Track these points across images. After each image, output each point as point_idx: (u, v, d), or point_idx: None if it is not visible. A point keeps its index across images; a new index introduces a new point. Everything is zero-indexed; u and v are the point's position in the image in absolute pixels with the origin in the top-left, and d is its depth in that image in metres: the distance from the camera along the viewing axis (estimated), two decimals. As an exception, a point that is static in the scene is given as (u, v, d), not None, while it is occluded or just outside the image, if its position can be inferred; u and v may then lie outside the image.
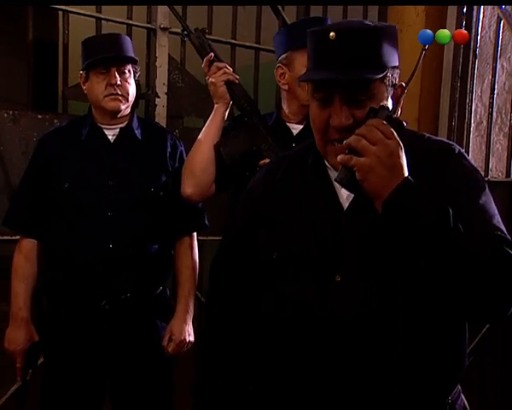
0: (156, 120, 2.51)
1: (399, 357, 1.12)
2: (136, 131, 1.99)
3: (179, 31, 1.99)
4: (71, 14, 2.40)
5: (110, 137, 1.96)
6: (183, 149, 2.07)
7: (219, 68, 1.84)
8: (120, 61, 1.91)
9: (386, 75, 1.10)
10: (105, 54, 1.88)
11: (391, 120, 1.05)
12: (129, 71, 1.94)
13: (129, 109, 1.98)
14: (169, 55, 2.54)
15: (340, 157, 1.05)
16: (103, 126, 1.96)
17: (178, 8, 2.58)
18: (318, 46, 1.12)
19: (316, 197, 1.19)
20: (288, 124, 1.88)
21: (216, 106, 1.87)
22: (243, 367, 1.30)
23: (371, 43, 1.08)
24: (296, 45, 1.80)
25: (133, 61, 1.96)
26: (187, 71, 2.63)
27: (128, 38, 2.00)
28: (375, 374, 1.12)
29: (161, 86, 2.52)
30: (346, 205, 1.16)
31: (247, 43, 2.79)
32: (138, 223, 1.93)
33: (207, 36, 1.93)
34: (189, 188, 1.87)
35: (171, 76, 2.57)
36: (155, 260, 1.97)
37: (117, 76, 1.89)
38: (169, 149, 2.01)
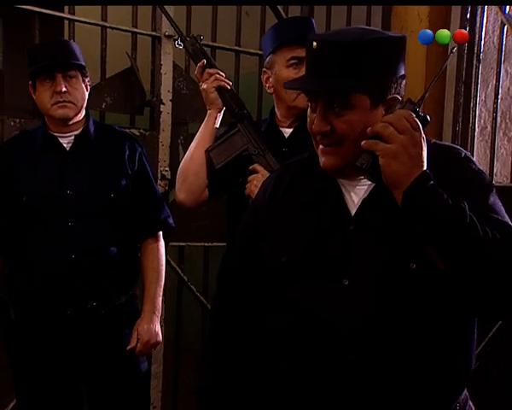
0: (161, 126, 2.53)
1: (407, 361, 1.12)
2: (92, 137, 1.95)
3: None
4: (76, 23, 2.41)
5: (65, 145, 1.92)
6: (142, 150, 2.03)
7: (211, 74, 1.85)
8: (65, 67, 1.86)
9: (369, 87, 1.11)
10: (48, 61, 1.84)
11: (417, 114, 1.09)
12: (75, 76, 1.88)
13: (81, 115, 1.93)
14: (174, 62, 2.55)
15: (364, 142, 1.08)
16: (57, 135, 1.92)
17: (183, 16, 2.61)
18: (307, 54, 1.17)
19: (324, 203, 1.20)
20: (280, 129, 1.88)
21: (208, 111, 1.89)
22: (248, 373, 1.30)
23: (351, 55, 1.09)
24: (275, 48, 1.82)
25: (78, 67, 1.89)
26: (191, 78, 2.64)
27: (74, 44, 1.95)
28: (382, 378, 1.12)
29: (166, 93, 2.53)
30: (353, 211, 1.17)
31: (252, 50, 2.80)
32: (100, 230, 1.89)
33: (206, 42, 1.94)
34: (181, 193, 1.87)
35: (176, 83, 2.58)
36: (121, 267, 1.94)
37: (62, 83, 1.84)
38: (127, 153, 1.97)
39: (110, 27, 2.46)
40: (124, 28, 2.51)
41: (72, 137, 1.93)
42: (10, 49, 2.36)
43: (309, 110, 1.18)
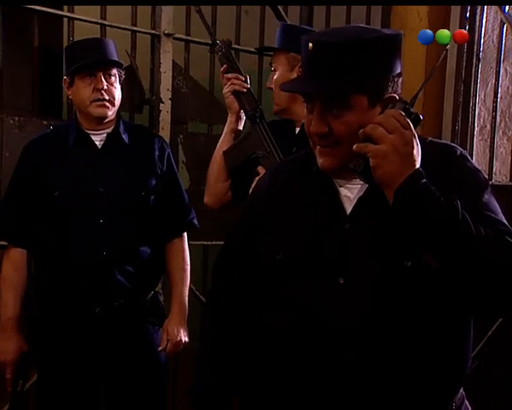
0: (160, 125, 2.52)
1: (403, 360, 1.12)
2: (124, 136, 1.97)
3: (184, 37, 2.04)
4: (76, 21, 2.41)
5: (97, 143, 1.94)
6: (169, 151, 2.07)
7: (228, 79, 1.90)
8: (106, 65, 1.90)
9: (366, 87, 1.11)
10: (90, 58, 1.86)
11: (408, 112, 1.08)
12: (114, 75, 1.92)
13: (115, 114, 1.96)
14: (173, 60, 2.55)
15: (355, 145, 1.08)
16: (90, 132, 1.94)
17: (182, 14, 2.61)
18: (303, 55, 1.17)
19: (320, 201, 1.20)
20: (297, 128, 1.91)
21: (228, 115, 1.94)
22: (245, 369, 1.30)
23: (347, 56, 1.09)
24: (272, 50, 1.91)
25: (119, 65, 1.94)
26: (191, 76, 2.64)
27: (112, 42, 1.97)
28: (378, 377, 1.13)
29: (165, 92, 2.53)
30: (349, 210, 1.17)
31: (251, 49, 2.80)
32: (130, 228, 1.92)
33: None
34: (206, 197, 1.97)
35: (175, 82, 2.58)
36: (148, 265, 1.97)
37: (103, 81, 1.87)
38: (157, 153, 2.01)
39: (109, 26, 2.45)
40: (123, 27, 2.50)
41: (105, 135, 1.95)
42: (9, 47, 2.35)
43: (305, 111, 1.18)
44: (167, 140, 2.54)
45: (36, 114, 2.34)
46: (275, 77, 1.88)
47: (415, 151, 1.06)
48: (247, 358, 1.29)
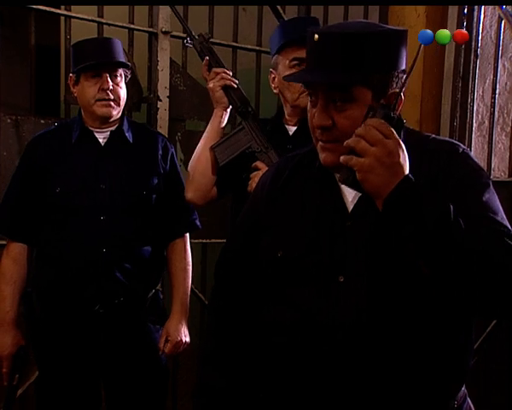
0: (158, 123, 2.52)
1: (403, 360, 1.12)
2: (127, 134, 1.97)
3: (181, 34, 2.04)
4: (73, 19, 2.40)
5: (101, 141, 1.95)
6: (173, 150, 2.07)
7: (217, 73, 1.87)
8: (113, 66, 1.90)
9: (370, 80, 1.10)
10: (97, 59, 1.87)
11: (390, 119, 1.05)
12: (120, 75, 1.93)
13: (120, 113, 1.96)
14: (170, 58, 2.55)
15: (341, 158, 1.06)
16: (94, 130, 1.95)
17: (180, 12, 2.60)
18: (308, 47, 1.16)
19: (322, 198, 1.20)
20: (286, 126, 1.90)
21: (215, 110, 1.91)
22: (242, 369, 1.30)
23: (354, 47, 1.08)
24: (279, 48, 1.84)
25: (125, 66, 1.95)
26: (188, 74, 2.64)
27: (119, 42, 1.98)
28: (379, 377, 1.12)
29: (163, 90, 2.52)
30: (350, 207, 1.17)
31: (249, 46, 2.80)
32: (131, 226, 1.92)
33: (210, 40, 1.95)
34: (189, 192, 1.91)
35: (173, 79, 2.58)
36: (148, 264, 1.97)
37: (109, 81, 1.88)
38: (160, 152, 2.01)
39: (106, 23, 2.45)
40: (120, 24, 2.50)
41: (108, 133, 1.95)
42: (6, 46, 2.35)
43: (309, 105, 1.17)
44: (165, 138, 2.55)
45: (33, 112, 2.34)
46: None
47: (401, 159, 1.03)
48: (249, 357, 1.28)
